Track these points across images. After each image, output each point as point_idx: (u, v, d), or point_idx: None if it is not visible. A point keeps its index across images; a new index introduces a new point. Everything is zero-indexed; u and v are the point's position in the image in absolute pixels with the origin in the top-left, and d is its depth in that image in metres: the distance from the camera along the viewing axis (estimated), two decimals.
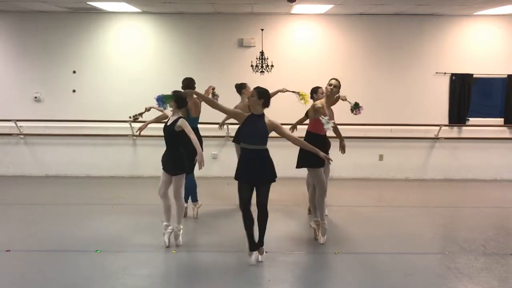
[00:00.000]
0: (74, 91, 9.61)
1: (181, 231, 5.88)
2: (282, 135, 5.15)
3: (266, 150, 5.19)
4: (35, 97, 9.58)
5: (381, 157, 9.77)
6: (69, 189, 8.80)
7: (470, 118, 9.73)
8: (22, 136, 9.66)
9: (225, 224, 6.83)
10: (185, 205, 6.45)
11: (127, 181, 9.46)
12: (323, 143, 5.93)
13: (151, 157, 9.50)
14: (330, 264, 5.50)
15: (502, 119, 9.78)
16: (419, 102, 9.66)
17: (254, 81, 9.24)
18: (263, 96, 5.09)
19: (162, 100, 5.68)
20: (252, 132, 5.10)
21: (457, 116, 9.64)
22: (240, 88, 7.36)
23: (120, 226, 6.58)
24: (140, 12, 9.37)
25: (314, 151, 5.22)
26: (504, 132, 9.79)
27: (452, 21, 9.50)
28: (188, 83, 6.78)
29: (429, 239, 6.31)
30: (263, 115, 5.15)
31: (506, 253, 5.75)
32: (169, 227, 5.77)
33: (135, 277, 4.97)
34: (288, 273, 5.17)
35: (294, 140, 5.23)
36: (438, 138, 9.68)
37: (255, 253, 5.34)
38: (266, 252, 5.43)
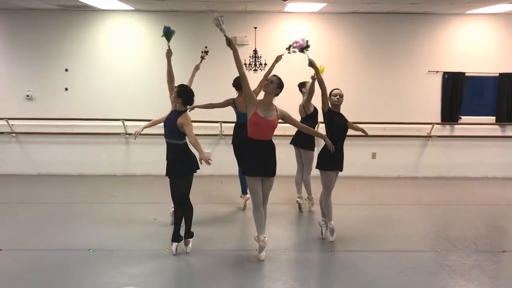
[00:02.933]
0: (66, 89, 9.56)
1: None
2: (187, 135, 5.28)
3: (181, 145, 5.33)
4: (27, 95, 9.52)
5: (374, 155, 9.80)
6: (61, 187, 8.76)
7: (462, 117, 9.79)
8: (13, 134, 9.60)
9: (218, 222, 6.83)
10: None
11: (119, 179, 9.43)
12: (261, 149, 5.22)
13: (143, 155, 9.51)
14: (323, 262, 5.52)
15: (494, 118, 9.85)
16: (412, 100, 9.70)
17: (248, 79, 9.25)
18: (181, 95, 5.25)
19: (168, 31, 6.07)
20: (166, 126, 5.37)
21: (449, 114, 9.70)
22: (301, 86, 7.26)
23: (112, 225, 6.55)
24: (132, 10, 9.33)
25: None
26: (496, 130, 9.86)
27: (444, 20, 9.54)
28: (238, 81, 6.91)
29: (421, 236, 6.34)
30: (181, 112, 5.29)
31: (498, 250, 5.80)
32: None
33: (127, 275, 4.96)
34: (281, 271, 5.18)
35: (192, 141, 5.21)
36: (430, 136, 9.73)
37: (175, 244, 5.51)
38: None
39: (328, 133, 5.76)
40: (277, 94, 5.27)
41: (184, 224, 5.59)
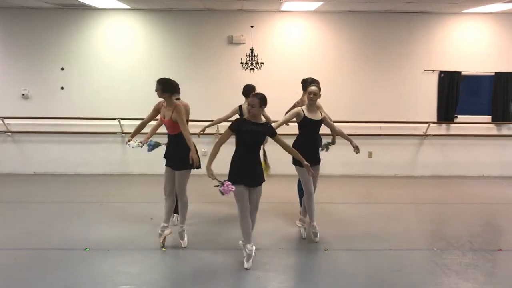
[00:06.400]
0: (62, 88, 9.53)
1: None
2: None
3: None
4: (23, 94, 9.49)
5: (370, 154, 9.82)
6: (58, 187, 8.74)
7: (458, 116, 9.82)
8: (9, 133, 9.57)
9: (215, 222, 6.82)
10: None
11: (116, 178, 9.41)
12: (168, 142, 5.69)
13: (140, 154, 9.44)
14: (319, 261, 5.52)
15: (490, 117, 9.87)
16: (408, 99, 9.72)
17: (244, 78, 9.26)
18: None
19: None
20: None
21: (445, 113, 9.73)
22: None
23: (109, 224, 6.55)
24: (129, 9, 9.31)
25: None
26: (492, 129, 9.89)
27: (440, 19, 9.56)
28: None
29: (417, 235, 6.36)
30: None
31: (493, 249, 5.82)
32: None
33: (124, 275, 4.95)
34: (277, 270, 5.18)
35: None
36: (426, 135, 9.75)
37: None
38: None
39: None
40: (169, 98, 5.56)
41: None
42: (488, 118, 9.91)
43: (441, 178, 9.74)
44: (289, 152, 5.30)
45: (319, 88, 5.99)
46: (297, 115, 5.79)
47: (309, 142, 5.86)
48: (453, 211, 7.53)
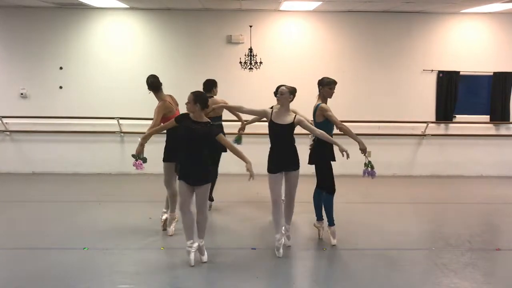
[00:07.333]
0: (61, 87, 9.52)
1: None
2: None
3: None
4: (21, 94, 9.48)
5: (369, 154, 9.79)
6: (56, 186, 8.74)
7: (456, 115, 9.83)
8: (8, 132, 9.55)
9: (213, 221, 6.82)
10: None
11: (114, 178, 9.41)
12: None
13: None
14: (317, 260, 5.53)
15: (488, 116, 9.89)
16: (407, 99, 9.73)
17: (243, 78, 9.28)
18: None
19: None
20: None
21: (444, 113, 9.74)
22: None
23: (107, 223, 6.54)
24: (127, 8, 9.30)
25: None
26: (490, 129, 9.90)
27: (439, 19, 9.57)
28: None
29: (416, 235, 6.36)
30: None
31: (491, 248, 5.82)
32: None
33: (122, 274, 4.95)
34: (275, 269, 5.18)
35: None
36: (425, 135, 9.76)
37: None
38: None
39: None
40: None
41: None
42: (486, 118, 9.92)
43: (440, 178, 9.75)
44: (234, 153, 5.00)
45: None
46: (264, 114, 5.42)
47: (276, 147, 5.40)
48: (451, 211, 7.53)
